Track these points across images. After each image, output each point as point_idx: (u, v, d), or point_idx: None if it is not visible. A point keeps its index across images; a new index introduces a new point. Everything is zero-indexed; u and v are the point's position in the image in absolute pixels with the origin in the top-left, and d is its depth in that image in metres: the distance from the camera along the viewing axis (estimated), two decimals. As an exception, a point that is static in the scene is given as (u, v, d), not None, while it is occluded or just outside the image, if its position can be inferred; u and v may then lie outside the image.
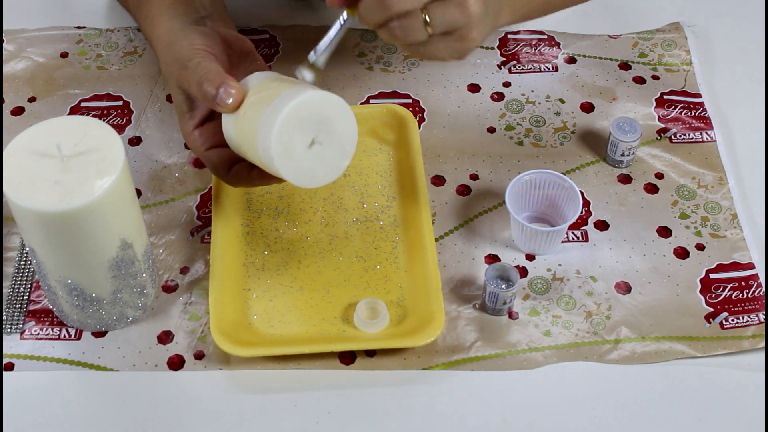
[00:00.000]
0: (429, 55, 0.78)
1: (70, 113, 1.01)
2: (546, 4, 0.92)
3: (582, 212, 0.93)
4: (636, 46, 1.08)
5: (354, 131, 0.79)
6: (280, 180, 0.80)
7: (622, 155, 0.96)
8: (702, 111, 1.02)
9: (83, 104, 1.02)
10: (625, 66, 1.06)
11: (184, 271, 0.89)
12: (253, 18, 1.11)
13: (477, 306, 0.87)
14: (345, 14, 0.78)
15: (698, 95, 1.04)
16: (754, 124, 1.02)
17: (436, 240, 0.91)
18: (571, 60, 1.07)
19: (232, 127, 0.80)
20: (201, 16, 0.89)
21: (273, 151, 0.75)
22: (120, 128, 1.00)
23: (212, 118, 0.84)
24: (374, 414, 0.81)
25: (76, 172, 0.74)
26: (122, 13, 1.10)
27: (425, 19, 0.74)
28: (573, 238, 0.91)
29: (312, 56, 0.80)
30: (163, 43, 0.86)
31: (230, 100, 0.78)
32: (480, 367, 0.83)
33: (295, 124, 0.75)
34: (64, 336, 0.85)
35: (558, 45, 1.08)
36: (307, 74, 0.80)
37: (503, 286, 0.84)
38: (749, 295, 0.87)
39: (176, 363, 0.83)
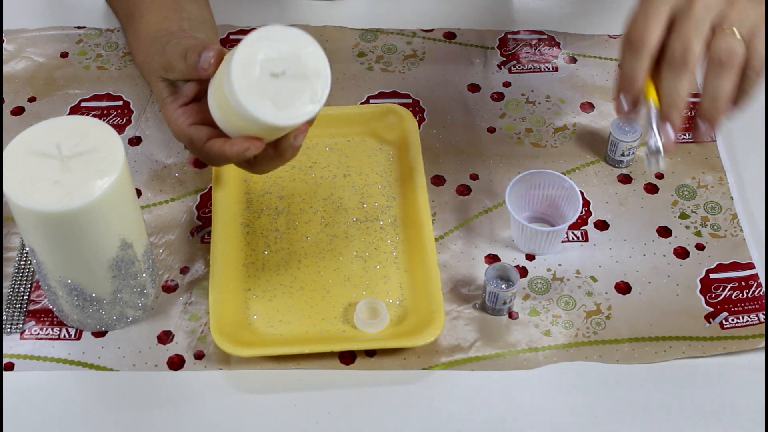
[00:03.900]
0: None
1: (70, 113, 1.01)
2: None
3: (582, 212, 0.93)
4: (636, 46, 1.08)
5: (323, 60, 0.77)
6: (257, 140, 0.77)
7: (622, 155, 0.96)
8: (702, 111, 1.02)
9: (83, 104, 1.02)
10: (625, 66, 1.06)
11: (184, 271, 0.89)
12: (254, 17, 1.11)
13: (477, 306, 0.87)
14: (653, 105, 0.77)
15: (698, 95, 1.03)
16: (754, 124, 1.01)
17: (436, 240, 0.91)
18: (571, 60, 1.07)
19: (211, 93, 0.79)
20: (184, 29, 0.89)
21: (235, 85, 0.73)
22: (120, 128, 1.00)
23: (197, 99, 0.83)
24: (374, 414, 0.81)
25: (76, 172, 0.74)
26: (122, 13, 1.10)
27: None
28: (573, 238, 0.91)
29: (654, 152, 0.77)
30: (147, 41, 0.87)
31: (212, 60, 0.78)
32: (480, 367, 0.83)
33: (255, 56, 0.74)
34: (64, 336, 0.85)
35: (558, 45, 1.08)
36: (658, 163, 0.77)
37: (503, 286, 0.84)
38: (749, 295, 0.87)
39: (176, 363, 0.83)
